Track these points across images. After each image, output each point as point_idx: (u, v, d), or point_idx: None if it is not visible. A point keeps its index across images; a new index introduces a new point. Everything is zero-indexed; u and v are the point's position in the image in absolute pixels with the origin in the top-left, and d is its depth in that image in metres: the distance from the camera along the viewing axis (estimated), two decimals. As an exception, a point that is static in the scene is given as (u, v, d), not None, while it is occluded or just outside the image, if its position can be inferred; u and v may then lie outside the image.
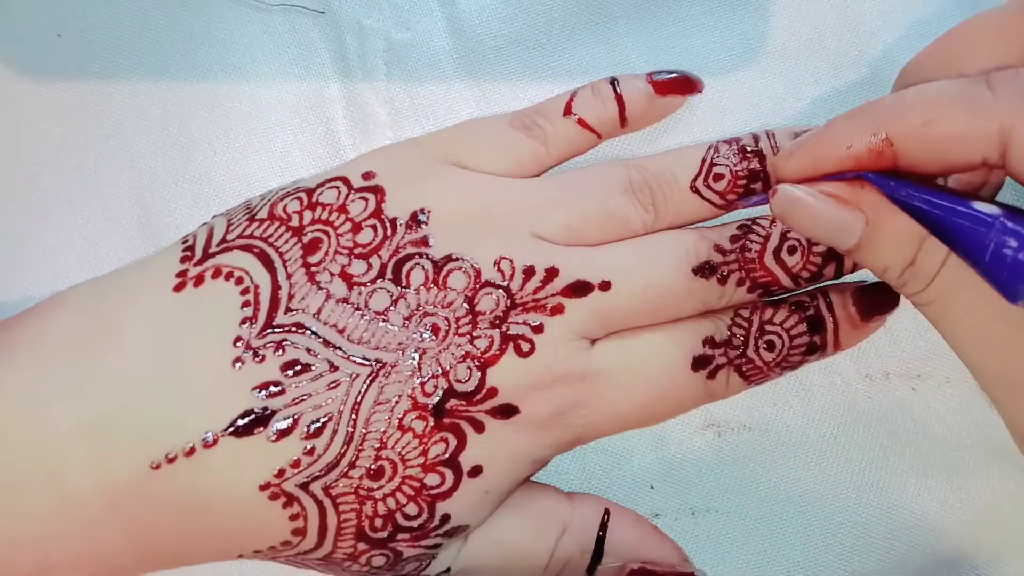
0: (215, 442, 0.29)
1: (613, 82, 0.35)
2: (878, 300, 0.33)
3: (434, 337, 0.30)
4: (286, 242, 0.31)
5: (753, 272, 0.32)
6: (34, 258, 0.37)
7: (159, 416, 0.29)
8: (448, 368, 0.30)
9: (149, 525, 0.29)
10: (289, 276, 0.30)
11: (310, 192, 0.32)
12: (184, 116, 0.38)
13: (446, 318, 0.30)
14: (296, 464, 0.29)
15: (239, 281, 0.30)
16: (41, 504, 0.28)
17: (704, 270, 0.32)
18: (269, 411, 0.29)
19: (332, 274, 0.31)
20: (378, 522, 0.30)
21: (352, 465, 0.29)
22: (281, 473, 0.29)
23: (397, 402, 0.29)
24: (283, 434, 0.29)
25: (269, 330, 0.30)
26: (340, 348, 0.30)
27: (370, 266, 0.31)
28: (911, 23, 0.36)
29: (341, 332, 0.30)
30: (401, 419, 0.30)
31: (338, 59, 0.37)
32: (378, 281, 0.31)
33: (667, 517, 0.35)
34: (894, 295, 0.34)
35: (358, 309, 0.30)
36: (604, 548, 0.33)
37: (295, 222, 0.32)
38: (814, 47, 0.36)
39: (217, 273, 0.31)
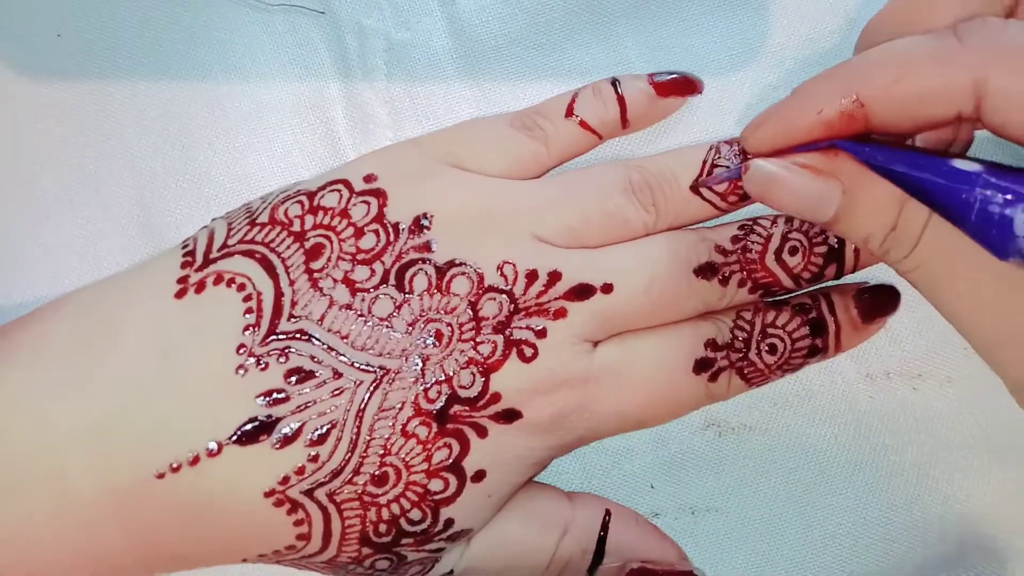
0: (219, 450, 0.29)
1: (614, 83, 0.35)
2: (879, 302, 0.33)
3: (437, 343, 0.30)
4: (288, 247, 0.31)
5: (754, 273, 0.32)
6: (34, 258, 0.37)
7: (161, 421, 0.29)
8: (451, 374, 0.30)
9: (150, 528, 0.29)
10: (292, 282, 0.30)
11: (311, 195, 0.32)
12: (184, 116, 0.38)
13: (449, 324, 0.30)
14: (301, 471, 0.29)
15: (241, 287, 0.30)
16: (41, 505, 0.28)
17: (705, 271, 0.32)
18: (273, 419, 0.29)
19: (335, 280, 0.30)
20: (382, 527, 0.30)
21: (356, 471, 0.29)
22: (285, 480, 0.29)
23: (401, 408, 0.29)
24: (287, 441, 0.29)
25: (272, 337, 0.30)
26: (344, 355, 0.30)
27: (373, 272, 0.31)
28: (911, 23, 0.36)
29: (345, 339, 0.30)
30: (405, 425, 0.29)
31: (338, 59, 0.37)
32: (381, 287, 0.30)
33: (667, 517, 0.36)
34: (895, 297, 0.34)
35: (361, 315, 0.30)
36: (605, 548, 0.33)
37: (297, 227, 0.32)
38: (814, 47, 0.36)
39: (219, 279, 0.31)
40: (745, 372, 0.33)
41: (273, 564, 0.31)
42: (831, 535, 0.35)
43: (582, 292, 0.31)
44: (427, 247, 0.31)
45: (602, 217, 0.33)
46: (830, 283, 0.34)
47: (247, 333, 0.30)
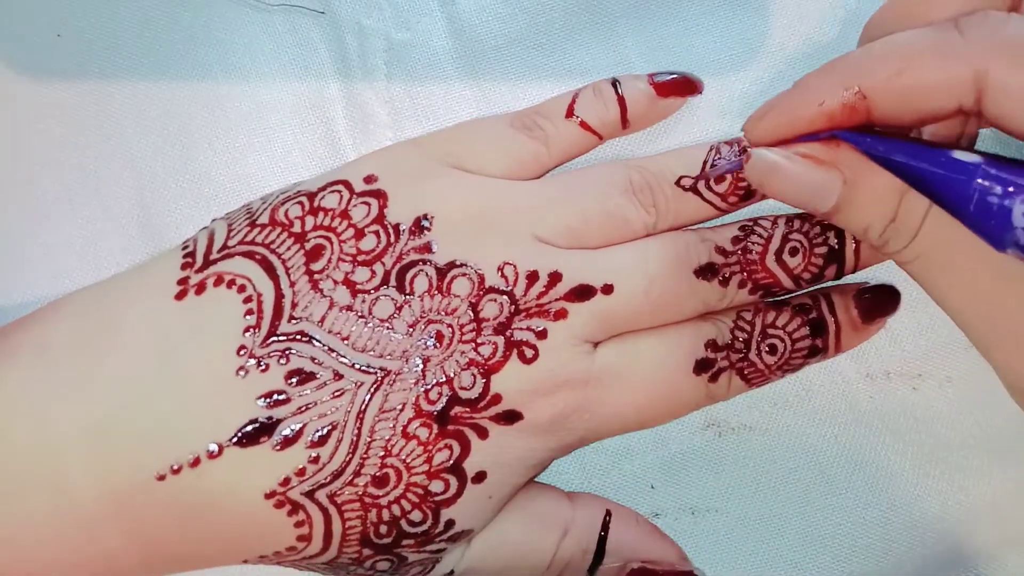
0: (220, 452, 0.29)
1: (615, 83, 0.35)
2: (880, 302, 0.33)
3: (438, 344, 0.30)
4: (288, 249, 0.31)
5: (755, 274, 0.32)
6: (34, 258, 0.37)
7: (161, 423, 0.29)
8: (452, 375, 0.30)
9: (151, 529, 0.29)
10: (292, 284, 0.30)
11: (311, 196, 0.32)
12: (184, 116, 0.37)
13: (450, 325, 0.30)
14: (301, 473, 0.29)
15: (241, 289, 0.30)
16: (41, 505, 0.28)
17: (706, 272, 0.32)
18: (274, 420, 0.29)
19: (335, 281, 0.30)
20: (383, 528, 0.30)
21: (357, 473, 0.29)
22: (286, 482, 0.29)
23: (401, 410, 0.29)
24: (288, 443, 0.29)
25: (273, 339, 0.30)
26: (344, 356, 0.30)
27: (373, 273, 0.31)
28: (911, 23, 0.36)
29: (345, 340, 0.30)
30: (405, 427, 0.29)
31: (338, 59, 0.37)
32: (382, 288, 0.30)
33: (667, 517, 0.36)
34: (895, 297, 0.34)
35: (362, 317, 0.30)
36: (605, 548, 0.33)
37: (297, 228, 0.31)
38: (814, 46, 0.36)
39: (219, 281, 0.30)
40: (745, 372, 0.33)
41: (274, 565, 0.31)
42: (831, 535, 0.35)
43: (583, 293, 0.31)
44: (428, 248, 0.31)
45: (602, 217, 0.33)
46: (830, 283, 0.34)
47: (247, 334, 0.30)
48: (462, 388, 0.30)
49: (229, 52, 0.38)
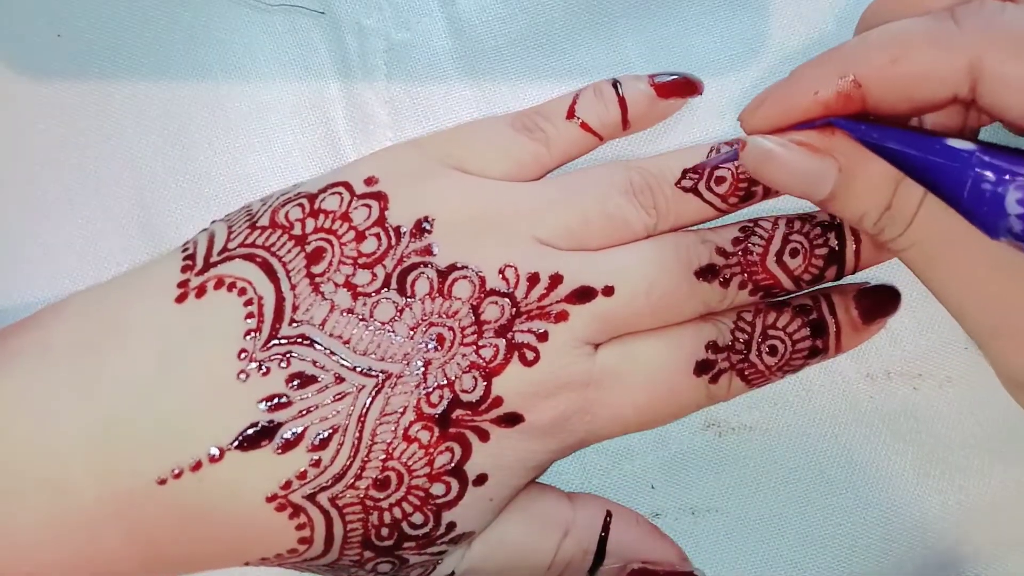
0: (221, 456, 0.29)
1: (615, 84, 0.35)
2: (880, 303, 0.33)
3: (439, 347, 0.30)
4: (289, 251, 0.31)
5: (755, 275, 0.32)
6: (34, 258, 0.37)
7: (162, 426, 0.29)
8: (453, 378, 0.30)
9: (152, 532, 0.29)
10: (293, 287, 0.30)
11: (312, 198, 0.32)
12: (184, 116, 0.37)
13: (451, 328, 0.30)
14: (303, 476, 0.29)
15: (242, 292, 0.30)
16: (42, 507, 0.28)
17: (706, 273, 0.32)
18: (275, 423, 0.29)
19: (336, 284, 0.30)
20: (384, 531, 0.30)
21: (359, 476, 0.29)
22: (288, 485, 0.29)
23: (403, 413, 0.29)
24: (289, 446, 0.29)
25: (274, 342, 0.30)
26: (346, 359, 0.29)
27: (374, 276, 0.31)
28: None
29: (346, 343, 0.30)
30: (407, 430, 0.29)
31: (338, 59, 0.37)
32: (383, 291, 0.30)
33: (667, 517, 0.36)
34: (895, 297, 0.34)
35: (363, 320, 0.30)
36: (606, 549, 0.33)
37: (297, 230, 0.31)
38: (814, 47, 0.36)
39: (219, 283, 0.30)
40: (746, 374, 0.33)
41: (275, 567, 0.31)
42: (831, 535, 0.35)
43: (583, 295, 0.31)
44: (428, 251, 0.31)
45: (603, 219, 0.33)
46: (830, 284, 0.34)
47: (248, 338, 0.30)
48: (463, 391, 0.30)
49: (229, 52, 0.38)
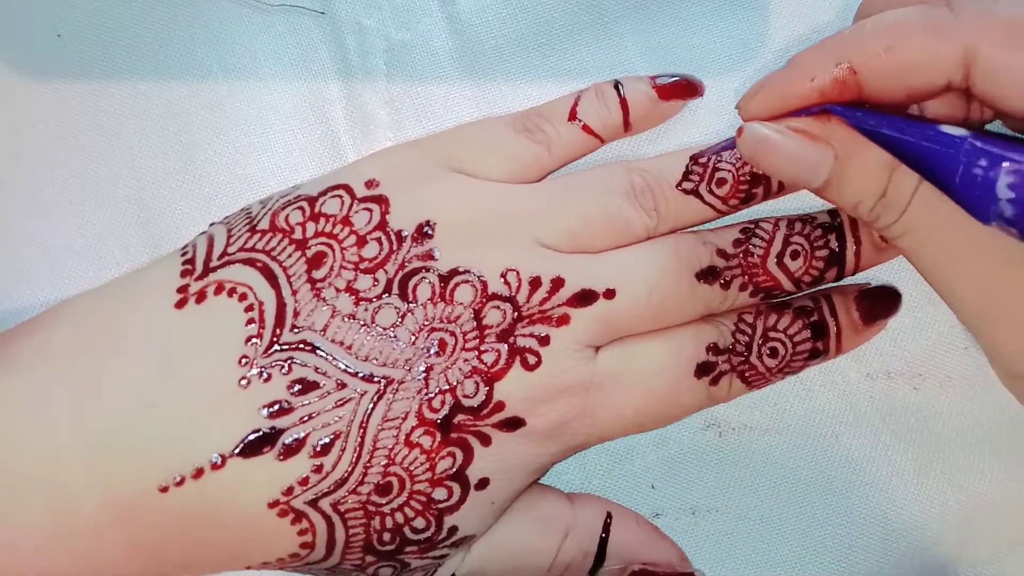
0: (223, 463, 0.28)
1: (617, 86, 0.35)
2: (880, 303, 0.33)
3: (441, 352, 0.30)
4: (290, 256, 0.31)
5: (756, 277, 0.32)
6: (34, 259, 0.37)
7: (164, 433, 0.29)
8: (455, 383, 0.30)
9: (154, 539, 0.29)
10: (294, 292, 0.30)
11: (312, 201, 0.32)
12: (184, 116, 0.37)
13: (453, 333, 0.30)
14: (304, 482, 0.29)
15: (243, 297, 0.30)
16: (43, 513, 0.28)
17: (707, 275, 0.32)
18: (277, 430, 0.29)
19: (338, 290, 0.30)
20: (386, 536, 0.30)
21: (360, 481, 0.29)
22: (290, 491, 0.29)
23: (405, 418, 0.29)
24: (291, 452, 0.29)
25: (275, 348, 0.29)
26: (347, 365, 0.29)
27: (376, 281, 0.31)
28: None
29: (348, 349, 0.30)
30: (409, 435, 0.29)
31: (338, 59, 0.37)
32: (384, 296, 0.30)
33: (667, 517, 0.36)
34: (896, 298, 0.34)
35: (365, 325, 0.30)
36: (607, 551, 0.33)
37: (298, 234, 0.31)
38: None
39: (220, 289, 0.30)
40: (746, 375, 0.33)
41: (276, 570, 0.31)
42: (831, 535, 0.35)
43: (585, 298, 0.31)
44: (430, 255, 0.31)
45: (603, 221, 0.32)
46: (831, 285, 0.34)
47: (249, 344, 0.29)
48: (465, 396, 0.30)
49: (229, 52, 0.37)
